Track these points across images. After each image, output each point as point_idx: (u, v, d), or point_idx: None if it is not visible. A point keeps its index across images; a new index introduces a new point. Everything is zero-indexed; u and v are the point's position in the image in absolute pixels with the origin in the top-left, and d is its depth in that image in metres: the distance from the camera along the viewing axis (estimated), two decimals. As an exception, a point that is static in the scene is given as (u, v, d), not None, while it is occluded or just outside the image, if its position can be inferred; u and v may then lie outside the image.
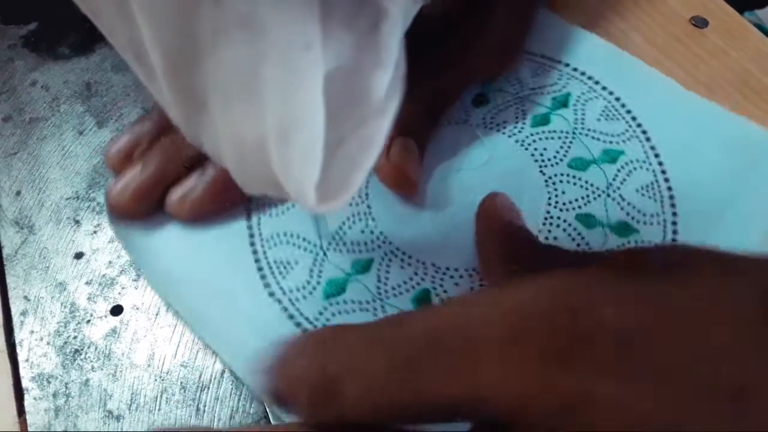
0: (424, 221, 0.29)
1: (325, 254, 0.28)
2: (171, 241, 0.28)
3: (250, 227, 0.28)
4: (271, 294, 0.27)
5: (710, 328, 0.15)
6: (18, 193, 0.31)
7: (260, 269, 0.27)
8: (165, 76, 0.17)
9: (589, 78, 0.33)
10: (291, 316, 0.26)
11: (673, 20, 0.35)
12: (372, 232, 0.28)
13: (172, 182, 0.28)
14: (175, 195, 0.28)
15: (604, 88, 0.32)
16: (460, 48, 0.30)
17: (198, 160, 0.28)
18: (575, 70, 0.33)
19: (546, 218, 0.29)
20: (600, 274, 0.17)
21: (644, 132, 0.31)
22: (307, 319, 0.26)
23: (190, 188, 0.28)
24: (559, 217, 0.29)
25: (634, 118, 0.31)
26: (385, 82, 0.16)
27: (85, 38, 0.36)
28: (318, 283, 0.27)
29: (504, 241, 0.25)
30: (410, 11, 0.17)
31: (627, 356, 0.15)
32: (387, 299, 0.27)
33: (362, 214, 0.29)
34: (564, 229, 0.28)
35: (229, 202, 0.28)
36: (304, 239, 0.28)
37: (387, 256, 0.28)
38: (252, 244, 0.28)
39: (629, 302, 0.16)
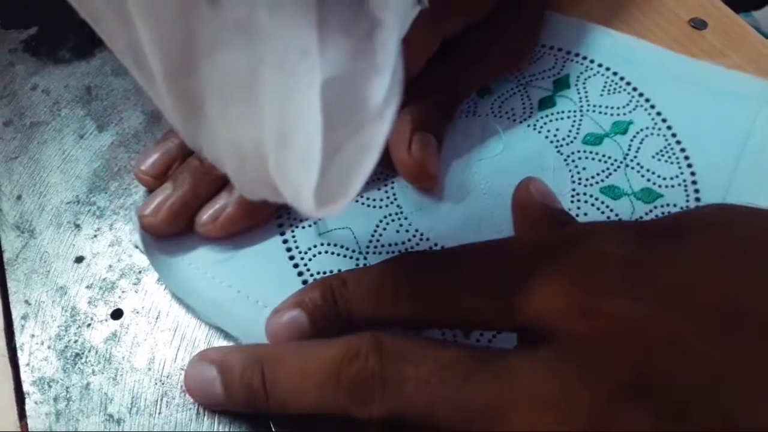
0: (455, 213, 0.29)
1: (365, 258, 0.28)
2: (210, 268, 0.28)
3: (286, 241, 0.29)
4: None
5: (720, 264, 0.18)
6: (19, 197, 0.31)
7: (304, 282, 0.27)
8: (164, 80, 0.18)
9: (584, 58, 0.34)
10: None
11: (672, 22, 0.36)
12: (407, 231, 0.29)
13: (203, 201, 0.28)
14: (206, 215, 0.28)
15: (600, 65, 0.33)
16: (479, 49, 0.31)
17: (226, 179, 0.28)
18: (568, 53, 0.34)
19: (573, 196, 0.30)
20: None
21: (647, 100, 0.32)
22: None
23: (220, 207, 0.28)
24: (585, 193, 0.30)
25: (635, 89, 0.33)
26: (382, 89, 0.16)
27: (85, 42, 0.36)
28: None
29: (544, 227, 0.25)
30: (407, 18, 0.17)
31: (631, 278, 0.18)
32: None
33: (394, 214, 0.29)
34: (592, 204, 0.29)
35: (259, 219, 0.29)
36: (342, 246, 0.28)
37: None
38: (291, 258, 0.28)
39: (638, 243, 0.20)
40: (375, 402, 0.20)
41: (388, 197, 0.30)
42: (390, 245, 0.28)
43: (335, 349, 0.21)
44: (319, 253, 0.28)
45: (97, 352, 0.26)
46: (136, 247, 0.28)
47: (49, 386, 0.25)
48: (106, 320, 0.27)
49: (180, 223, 0.28)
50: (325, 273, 0.28)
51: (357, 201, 0.30)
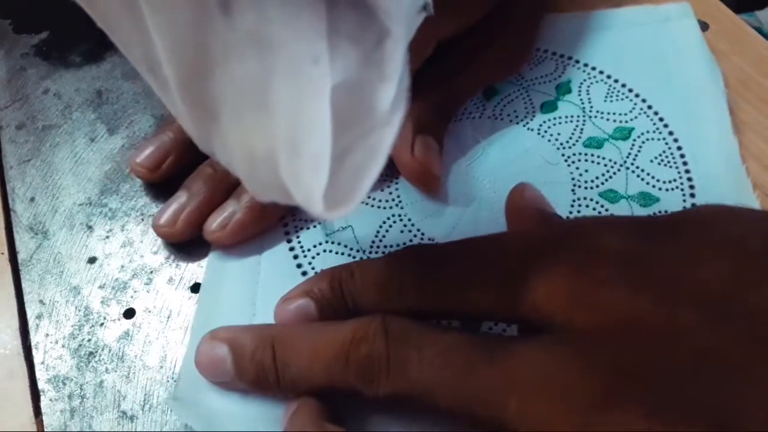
0: (458, 215, 0.30)
1: (368, 258, 0.28)
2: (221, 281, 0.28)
3: (290, 241, 0.29)
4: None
5: (715, 259, 0.19)
6: (32, 199, 0.31)
7: (305, 274, 0.28)
8: (178, 88, 0.18)
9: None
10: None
11: (674, 24, 0.36)
12: (410, 231, 0.29)
13: (216, 207, 0.29)
14: (215, 222, 0.28)
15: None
16: (475, 50, 0.32)
17: (238, 186, 0.29)
18: (570, 58, 0.35)
19: (573, 200, 0.30)
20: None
21: (650, 107, 0.32)
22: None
23: (228, 214, 0.28)
24: (585, 197, 0.30)
25: (637, 95, 0.33)
26: (390, 95, 0.17)
27: (96, 47, 0.37)
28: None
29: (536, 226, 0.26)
30: (413, 24, 0.18)
31: (629, 271, 0.19)
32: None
33: (397, 216, 0.30)
34: (593, 209, 0.29)
35: (268, 224, 0.29)
36: (345, 246, 0.29)
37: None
38: (295, 257, 0.29)
39: (635, 237, 0.20)
40: (381, 382, 0.21)
41: (392, 198, 0.30)
42: (393, 246, 0.29)
43: (345, 331, 0.22)
44: (324, 251, 0.29)
45: (110, 350, 0.27)
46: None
47: (64, 384, 0.26)
48: (118, 319, 0.28)
49: (196, 232, 0.29)
50: None
51: (362, 202, 0.30)
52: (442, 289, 0.22)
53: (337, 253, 0.29)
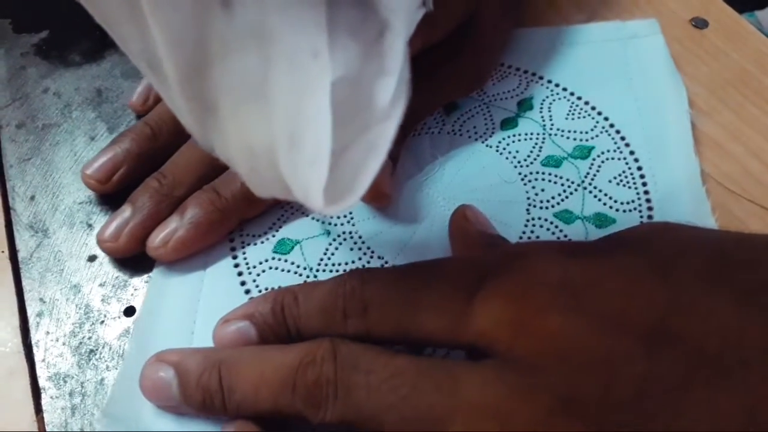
0: (408, 233, 0.29)
1: (315, 276, 0.28)
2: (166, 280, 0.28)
3: (235, 257, 0.28)
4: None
5: (648, 283, 0.19)
6: (32, 197, 0.31)
7: (248, 293, 0.27)
8: (177, 83, 0.18)
9: (548, 81, 0.33)
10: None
11: (673, 21, 0.36)
12: (360, 249, 0.28)
13: (159, 222, 0.28)
14: (158, 238, 0.28)
15: (564, 89, 0.32)
16: (436, 66, 0.31)
17: (180, 201, 0.29)
18: (533, 74, 0.34)
19: (528, 219, 0.29)
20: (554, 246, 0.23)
21: (612, 125, 0.32)
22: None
23: (170, 230, 0.28)
24: (539, 217, 0.29)
25: (599, 113, 0.32)
26: (390, 89, 0.17)
27: (96, 46, 0.37)
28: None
29: (479, 251, 0.26)
30: (413, 20, 0.17)
31: (564, 296, 0.19)
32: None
33: (347, 233, 0.29)
34: (547, 229, 0.29)
35: (211, 241, 0.29)
36: (292, 263, 0.28)
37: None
38: (240, 274, 0.28)
39: (576, 261, 0.21)
40: (328, 408, 0.20)
41: (344, 214, 0.29)
42: (341, 264, 0.28)
43: (292, 355, 0.21)
44: (270, 268, 0.28)
45: (110, 348, 0.27)
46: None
47: (65, 381, 0.26)
48: (119, 317, 0.27)
49: (140, 247, 0.28)
50: (271, 289, 0.27)
51: (310, 217, 0.29)
52: (388, 314, 0.22)
53: (283, 270, 0.28)
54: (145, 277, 0.29)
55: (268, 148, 0.18)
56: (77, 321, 0.27)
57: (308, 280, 0.28)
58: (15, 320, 0.28)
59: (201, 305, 0.27)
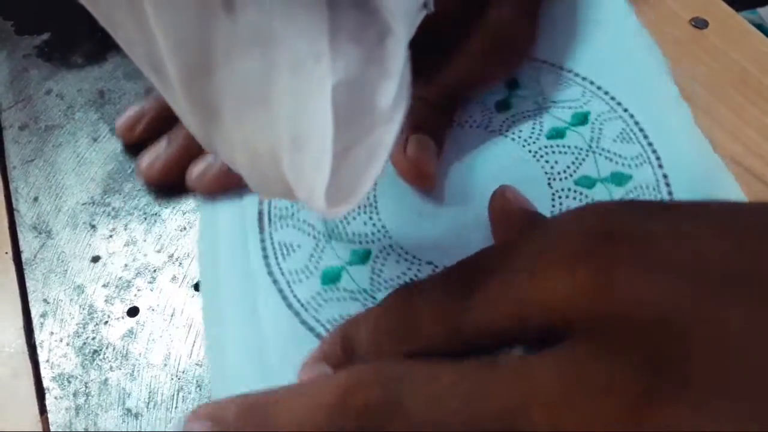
0: (426, 219, 0.29)
1: (327, 241, 0.28)
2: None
3: (261, 210, 0.29)
4: (270, 273, 0.28)
5: (719, 233, 0.17)
6: (35, 199, 0.32)
7: (264, 249, 0.28)
8: (181, 86, 0.18)
9: (612, 98, 0.32)
10: (285, 298, 0.27)
11: (673, 21, 0.36)
12: (374, 225, 0.29)
13: (195, 156, 0.30)
14: (196, 170, 0.29)
15: (625, 110, 0.32)
16: (467, 45, 0.30)
17: None
18: (599, 88, 0.33)
19: (552, 193, 0.29)
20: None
21: (658, 158, 0.30)
22: (299, 302, 0.27)
23: (209, 164, 0.29)
24: (562, 188, 0.29)
25: (650, 144, 0.31)
26: (392, 92, 0.17)
27: (98, 47, 0.37)
28: (315, 268, 0.28)
29: (522, 227, 0.25)
30: (414, 23, 0.18)
31: (643, 253, 0.17)
32: (378, 292, 0.27)
33: (366, 206, 0.29)
34: (573, 198, 0.29)
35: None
36: (309, 224, 0.29)
37: (385, 250, 0.28)
38: (260, 222, 0.29)
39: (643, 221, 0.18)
40: (387, 429, 0.19)
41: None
42: (353, 234, 0.29)
43: (337, 381, 0.20)
44: (287, 225, 0.29)
45: (114, 348, 0.27)
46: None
47: (69, 382, 0.26)
48: (122, 318, 0.28)
49: (175, 176, 0.30)
50: (284, 245, 0.28)
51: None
52: (444, 323, 0.20)
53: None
54: (148, 277, 0.29)
55: (271, 150, 0.18)
56: (81, 321, 0.28)
57: (319, 243, 0.28)
58: (19, 321, 0.28)
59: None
